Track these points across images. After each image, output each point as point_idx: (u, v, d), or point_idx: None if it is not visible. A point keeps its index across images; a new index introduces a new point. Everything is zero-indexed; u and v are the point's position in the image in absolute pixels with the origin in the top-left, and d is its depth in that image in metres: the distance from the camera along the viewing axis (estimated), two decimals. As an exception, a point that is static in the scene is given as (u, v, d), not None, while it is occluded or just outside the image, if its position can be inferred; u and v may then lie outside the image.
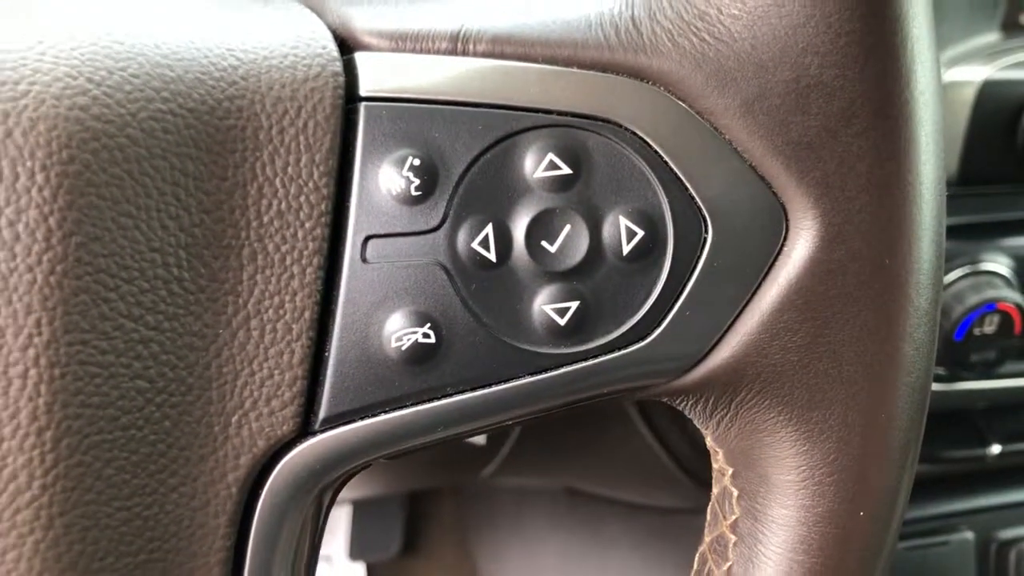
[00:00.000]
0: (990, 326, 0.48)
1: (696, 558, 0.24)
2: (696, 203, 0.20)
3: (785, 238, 0.20)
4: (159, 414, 0.19)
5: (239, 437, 0.19)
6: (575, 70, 0.20)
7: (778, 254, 0.20)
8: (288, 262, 0.19)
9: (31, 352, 0.17)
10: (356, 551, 1.16)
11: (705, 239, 0.20)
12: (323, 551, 1.26)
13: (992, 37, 0.48)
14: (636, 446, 0.59)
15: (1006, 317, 0.48)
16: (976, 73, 0.46)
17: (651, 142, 0.20)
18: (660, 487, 0.64)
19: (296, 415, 0.20)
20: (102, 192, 0.18)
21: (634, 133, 0.20)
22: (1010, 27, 0.49)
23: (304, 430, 0.20)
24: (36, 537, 0.18)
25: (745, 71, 0.20)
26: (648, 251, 0.20)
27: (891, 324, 0.20)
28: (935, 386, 0.53)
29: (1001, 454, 0.56)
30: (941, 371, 0.51)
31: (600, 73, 0.20)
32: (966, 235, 0.49)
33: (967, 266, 0.49)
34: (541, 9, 0.21)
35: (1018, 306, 0.48)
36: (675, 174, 0.20)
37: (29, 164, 0.17)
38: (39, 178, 0.17)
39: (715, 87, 0.20)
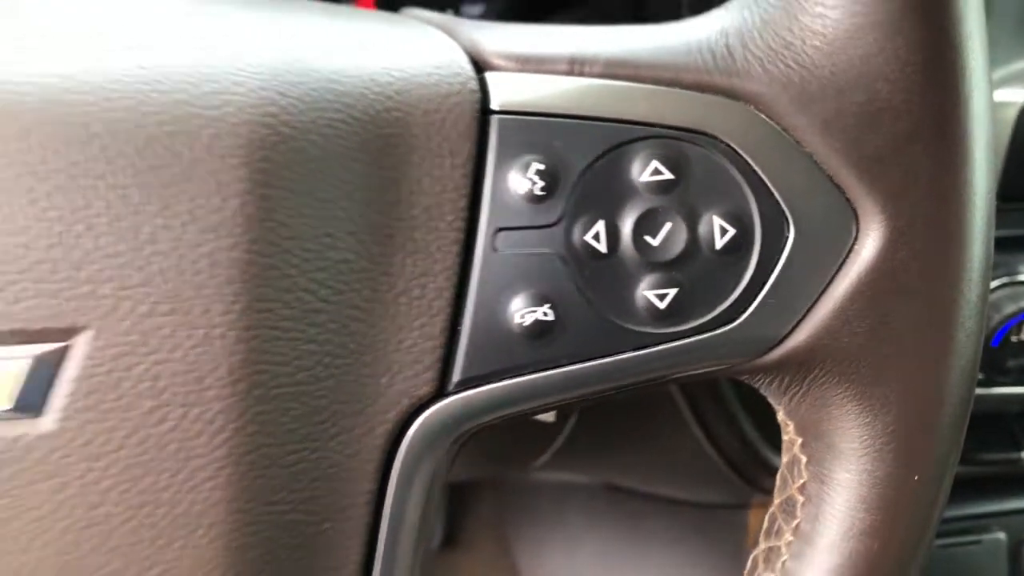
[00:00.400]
0: (1025, 335, 0.51)
1: (766, 518, 0.27)
2: (780, 206, 0.23)
3: (856, 238, 0.23)
4: (325, 373, 0.22)
5: (387, 396, 0.23)
6: (677, 90, 0.23)
7: (849, 252, 0.23)
8: (432, 249, 0.23)
9: (231, 316, 0.21)
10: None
11: (787, 238, 0.23)
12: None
13: (1033, 60, 0.51)
14: (683, 442, 0.62)
15: (1042, 325, 0.51)
16: (1018, 95, 0.49)
17: (743, 153, 0.23)
18: (704, 483, 0.66)
19: (434, 378, 0.23)
20: (289, 186, 0.21)
21: (728, 145, 0.23)
22: (1051, 50, 0.52)
23: (440, 392, 0.23)
24: (229, 471, 0.21)
25: (824, 94, 0.23)
26: (738, 247, 0.23)
27: (946, 314, 0.24)
28: (977, 391, 0.55)
29: (1034, 457, 0.59)
30: (981, 377, 0.54)
31: (699, 93, 0.23)
32: (1005, 248, 0.52)
33: (1004, 277, 0.51)
34: (646, 36, 0.24)
35: (1053, 315, 0.51)
36: (763, 181, 0.23)
37: (232, 161, 0.21)
38: (240, 173, 0.21)
39: (798, 107, 0.23)
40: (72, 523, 0.21)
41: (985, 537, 0.63)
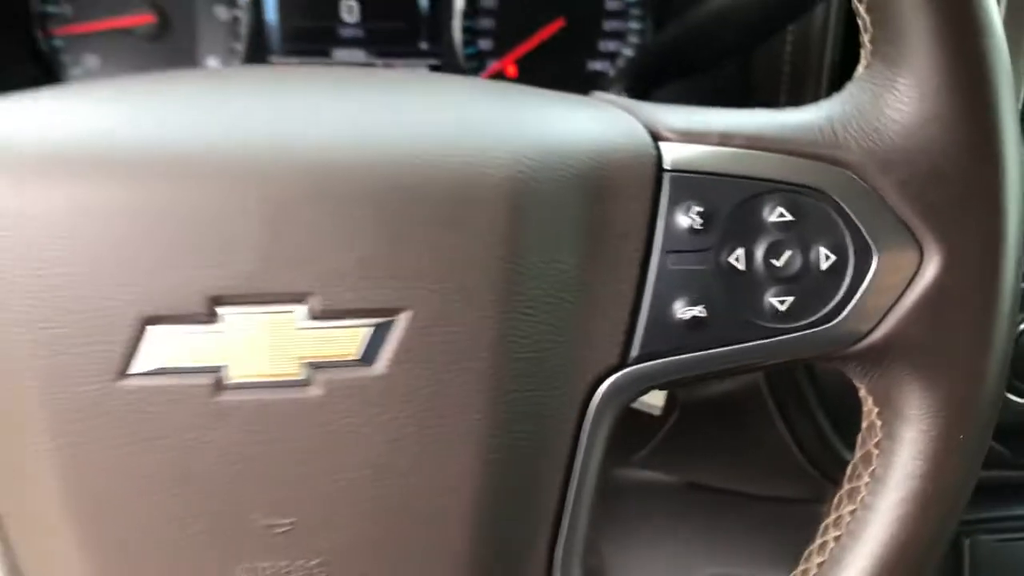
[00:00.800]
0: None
1: (848, 469, 0.36)
2: (867, 241, 0.33)
3: (920, 265, 0.33)
4: (550, 345, 0.33)
5: (586, 364, 0.33)
6: (796, 158, 0.34)
7: (915, 275, 0.33)
8: (622, 264, 0.33)
9: (496, 303, 0.31)
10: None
11: (871, 264, 0.33)
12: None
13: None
14: (768, 441, 0.72)
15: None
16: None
17: (842, 204, 0.33)
18: (784, 478, 0.75)
19: (618, 354, 0.34)
20: (533, 221, 0.32)
21: (832, 198, 0.33)
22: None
23: (621, 364, 0.34)
24: (489, 407, 0.32)
25: (900, 164, 0.33)
26: (836, 269, 0.33)
27: (986, 320, 0.33)
28: (1017, 399, 0.64)
29: (1081, 465, 0.66)
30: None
31: (812, 160, 0.33)
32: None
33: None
34: (774, 118, 0.34)
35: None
36: (855, 223, 0.33)
37: (500, 204, 0.32)
38: (504, 211, 0.32)
39: (881, 172, 0.33)
40: (392, 438, 0.31)
41: (1037, 535, 0.71)
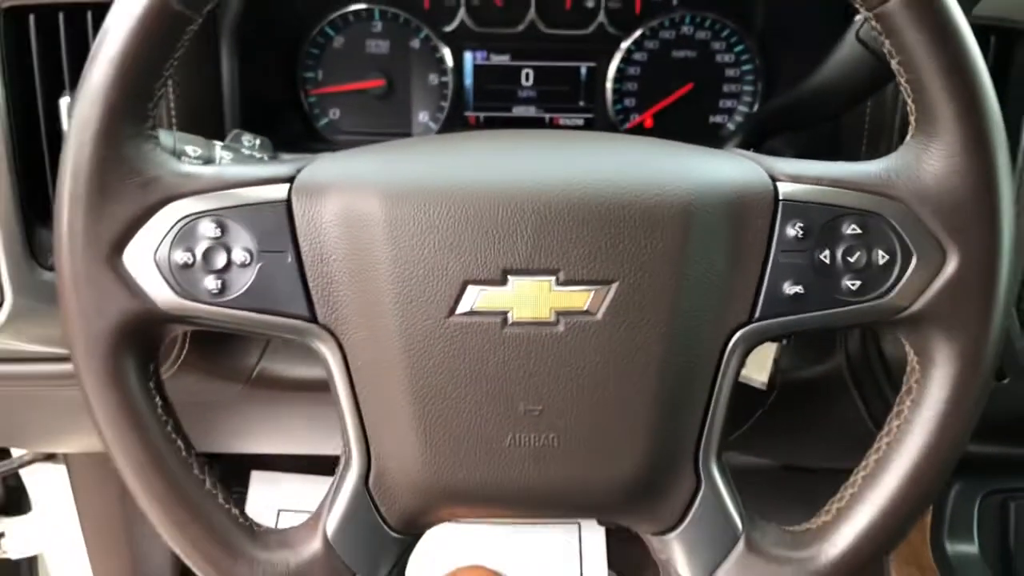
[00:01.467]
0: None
1: (896, 400, 0.54)
2: (909, 248, 0.51)
3: (944, 263, 0.51)
4: (709, 307, 0.52)
5: (729, 319, 0.52)
6: (864, 193, 0.52)
7: (940, 269, 0.51)
8: (752, 258, 0.52)
9: (672, 279, 0.51)
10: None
11: (911, 262, 0.51)
12: (572, 519, 1.58)
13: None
14: (848, 419, 0.88)
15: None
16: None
17: (895, 223, 0.51)
18: (863, 451, 0.92)
19: (747, 315, 0.52)
20: (697, 234, 0.51)
21: (887, 219, 0.52)
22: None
23: (749, 320, 0.52)
24: (669, 342, 0.51)
25: (932, 198, 0.50)
26: (889, 264, 0.51)
27: (990, 299, 0.51)
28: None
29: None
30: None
31: (874, 195, 0.52)
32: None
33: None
34: (851, 168, 0.53)
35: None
36: (902, 236, 0.51)
37: (679, 222, 0.51)
38: (681, 226, 0.51)
39: (920, 203, 0.51)
40: (605, 359, 0.51)
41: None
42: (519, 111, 0.91)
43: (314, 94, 0.90)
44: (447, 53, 0.89)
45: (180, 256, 0.51)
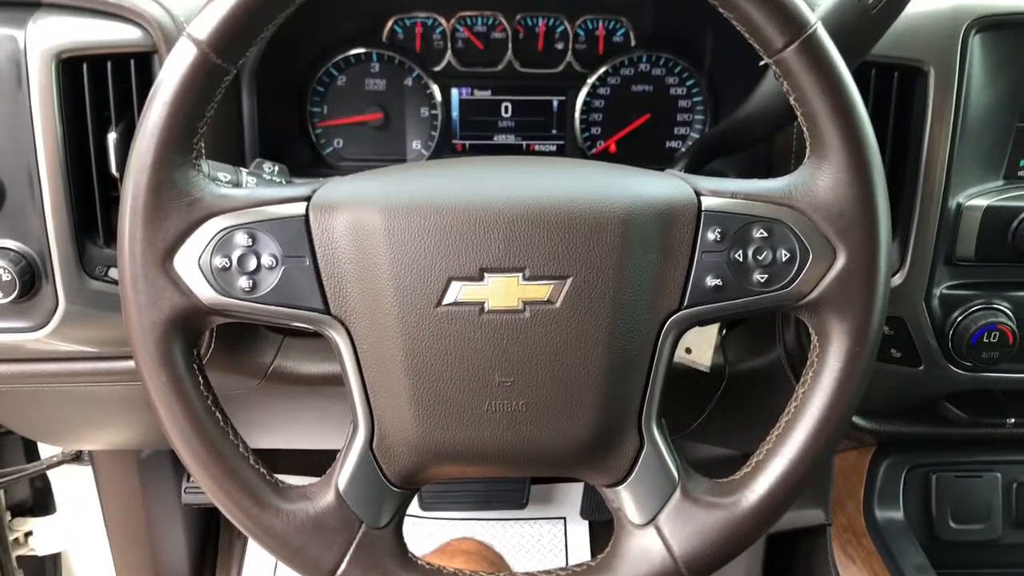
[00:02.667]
0: (993, 338, 0.87)
1: (805, 369, 0.66)
2: (807, 247, 0.63)
3: (834, 259, 0.63)
4: (643, 298, 0.64)
5: (662, 307, 0.63)
6: (770, 204, 0.64)
7: (831, 264, 0.63)
8: (679, 258, 0.64)
9: (613, 274, 0.63)
10: (586, 511, 1.58)
11: (808, 259, 0.63)
12: (558, 513, 1.70)
13: (997, 183, 0.89)
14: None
15: (1002, 334, 0.87)
16: (983, 201, 0.86)
17: (794, 228, 0.63)
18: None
19: (678, 302, 0.63)
20: (635, 238, 0.63)
21: (788, 225, 0.63)
22: (1010, 176, 0.89)
23: (679, 308, 0.64)
24: (612, 327, 0.64)
25: (823, 207, 0.62)
26: (791, 261, 0.63)
27: (872, 289, 0.62)
28: (965, 373, 0.91)
29: (1015, 424, 0.93)
30: (968, 364, 0.90)
31: (778, 206, 0.64)
32: (983, 287, 0.89)
33: (982, 302, 0.88)
34: (761, 184, 0.65)
35: (1010, 328, 0.87)
36: (800, 238, 0.63)
37: (619, 228, 0.63)
38: (620, 232, 0.63)
39: (814, 210, 0.63)
40: (563, 339, 0.63)
41: (985, 475, 0.98)
42: (500, 139, 1.02)
43: (320, 126, 1.01)
44: (436, 89, 0.99)
45: (219, 261, 0.63)
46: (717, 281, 0.64)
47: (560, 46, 0.99)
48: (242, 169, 0.76)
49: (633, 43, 1.00)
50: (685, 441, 1.18)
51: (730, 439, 1.18)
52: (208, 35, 0.59)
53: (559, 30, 0.99)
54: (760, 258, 0.63)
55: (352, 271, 0.63)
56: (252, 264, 0.63)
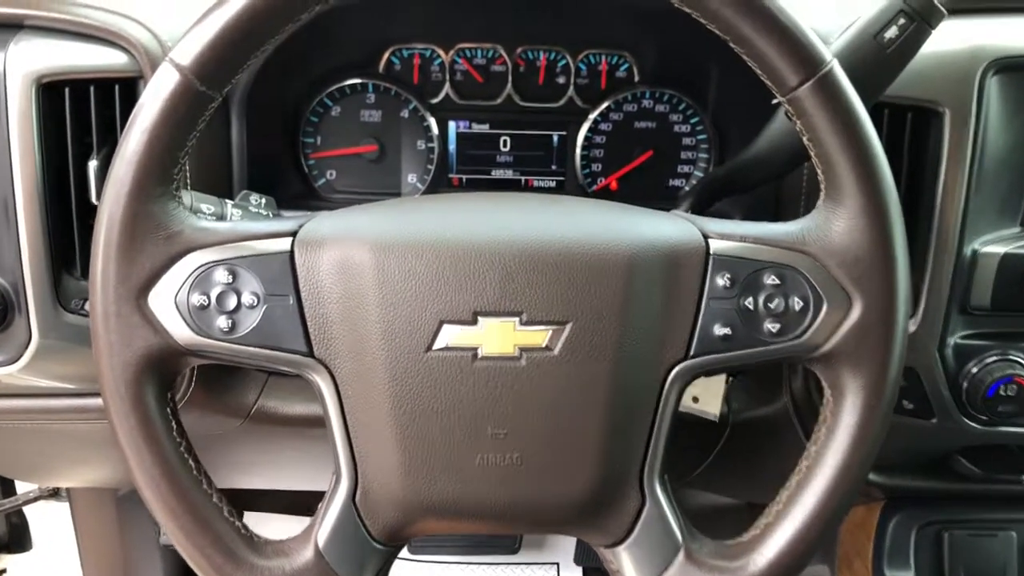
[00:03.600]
0: (1010, 391, 0.84)
1: (814, 429, 0.62)
2: (820, 295, 0.60)
3: (849, 309, 0.59)
4: (648, 347, 0.60)
5: (667, 356, 0.60)
6: (783, 250, 0.61)
7: (847, 314, 0.60)
8: (687, 304, 0.61)
9: (616, 322, 0.60)
10: (580, 557, 1.53)
11: (823, 308, 0.60)
12: (551, 558, 1.66)
13: (1014, 229, 0.86)
14: (796, 455, 0.95)
15: (1020, 386, 0.83)
16: (1000, 249, 0.83)
17: (807, 275, 0.60)
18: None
19: (683, 351, 0.60)
20: (640, 283, 0.59)
21: (801, 271, 0.60)
22: (1025, 223, 0.86)
23: (684, 358, 0.61)
24: (614, 376, 0.60)
25: (838, 253, 0.59)
26: (804, 310, 0.60)
27: (890, 341, 0.59)
28: (980, 427, 0.87)
29: (1031, 481, 0.89)
30: (983, 417, 0.86)
31: (790, 251, 0.61)
32: (999, 337, 0.85)
33: (998, 353, 0.84)
34: (772, 228, 0.62)
35: (1029, 380, 0.83)
36: (814, 285, 0.60)
37: (623, 272, 0.60)
38: (624, 277, 0.59)
39: (828, 257, 0.59)
40: (562, 389, 0.59)
41: (1000, 534, 0.94)
42: (498, 174, 1.00)
43: (313, 157, 0.99)
44: (433, 122, 0.97)
45: (197, 299, 0.59)
46: (726, 330, 0.60)
47: (561, 80, 0.97)
48: (227, 201, 0.73)
49: (636, 79, 0.98)
50: (686, 489, 1.13)
51: (733, 488, 1.14)
52: (192, 60, 0.56)
53: (561, 64, 0.96)
54: (771, 306, 0.60)
55: (338, 312, 0.59)
56: (232, 303, 0.59)
